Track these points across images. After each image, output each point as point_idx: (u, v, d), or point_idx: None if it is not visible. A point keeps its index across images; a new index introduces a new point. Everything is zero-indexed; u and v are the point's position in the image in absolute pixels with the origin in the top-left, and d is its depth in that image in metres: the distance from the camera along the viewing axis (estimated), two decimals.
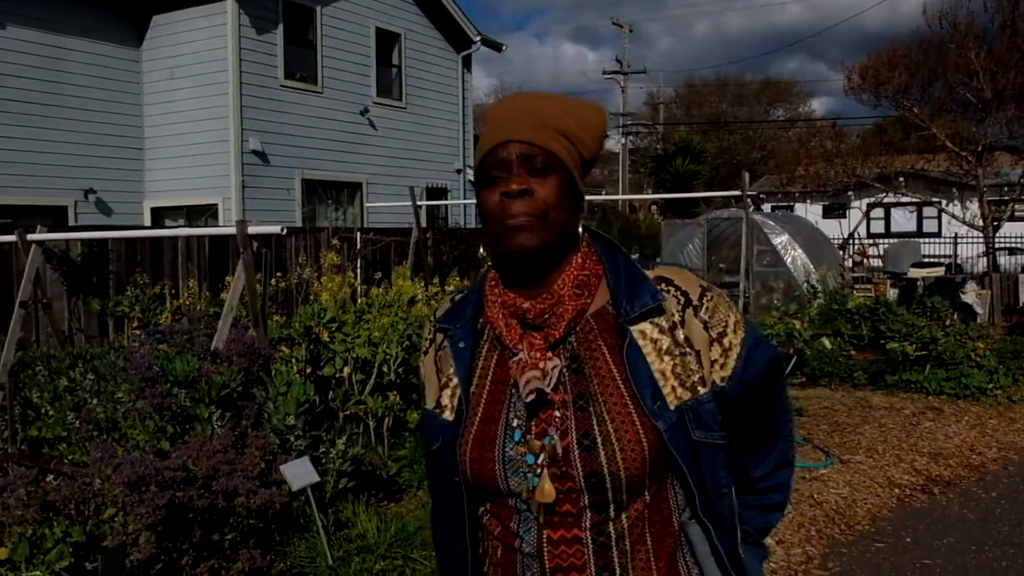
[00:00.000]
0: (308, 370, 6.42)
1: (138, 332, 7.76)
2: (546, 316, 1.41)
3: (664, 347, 1.39)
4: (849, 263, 19.98)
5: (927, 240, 26.35)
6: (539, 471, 1.36)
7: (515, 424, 1.40)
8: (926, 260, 19.57)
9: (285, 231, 6.17)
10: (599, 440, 1.34)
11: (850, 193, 28.63)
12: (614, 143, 41.96)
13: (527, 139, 1.38)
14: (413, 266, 10.64)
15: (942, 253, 26.07)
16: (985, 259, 22.19)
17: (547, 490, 1.35)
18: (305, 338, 6.54)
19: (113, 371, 5.66)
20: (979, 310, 13.90)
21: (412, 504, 5.47)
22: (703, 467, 1.38)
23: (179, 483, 3.96)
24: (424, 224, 12.77)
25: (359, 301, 8.35)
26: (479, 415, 1.44)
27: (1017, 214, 24.25)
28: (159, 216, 15.88)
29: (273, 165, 15.51)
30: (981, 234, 23.06)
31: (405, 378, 6.74)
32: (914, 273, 15.94)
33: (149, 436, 4.94)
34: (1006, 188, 23.88)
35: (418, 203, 12.25)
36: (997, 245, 22.68)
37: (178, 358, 5.11)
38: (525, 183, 1.36)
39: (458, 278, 9.29)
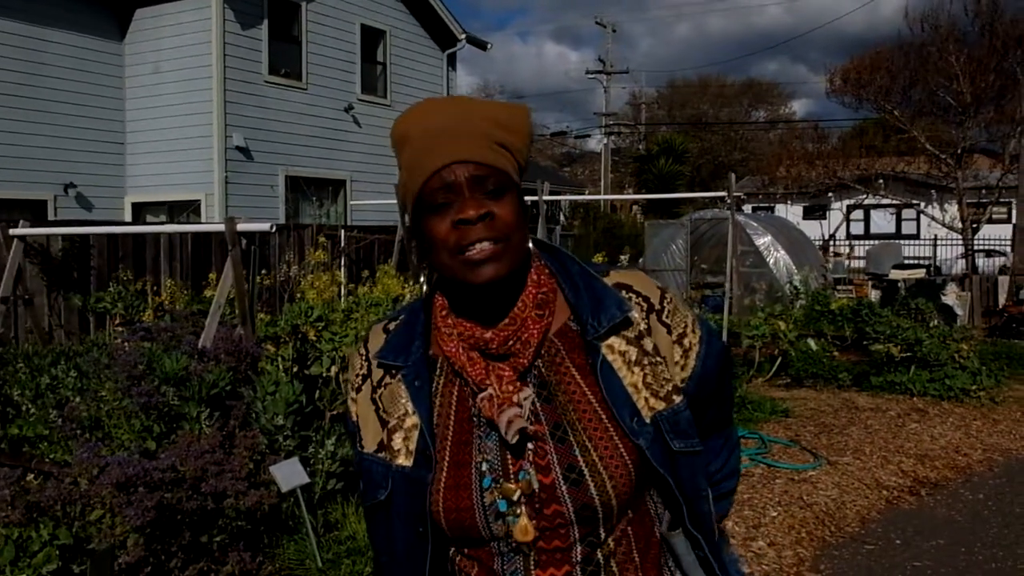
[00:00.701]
0: (295, 369, 6.35)
1: (121, 329, 7.67)
2: (510, 343, 1.30)
3: (633, 358, 1.31)
4: (830, 264, 20.07)
5: (906, 242, 26.55)
6: (517, 511, 1.26)
7: (484, 468, 1.29)
8: (906, 262, 19.69)
9: (274, 228, 6.11)
10: (586, 472, 1.25)
11: (831, 195, 28.83)
12: (596, 142, 42.05)
13: (474, 159, 1.24)
14: (398, 264, 10.57)
15: (921, 255, 26.25)
16: (964, 261, 22.36)
17: (527, 528, 1.26)
18: (292, 336, 6.48)
19: (97, 368, 5.58)
20: (959, 312, 14.01)
21: None
22: (683, 476, 1.32)
23: (168, 484, 3.90)
24: (408, 222, 12.72)
25: (345, 299, 8.29)
26: (447, 459, 1.32)
27: (995, 216, 24.45)
28: (140, 211, 15.74)
29: (257, 161, 15.41)
30: (960, 236, 23.25)
31: None
32: (895, 275, 16.04)
33: (135, 435, 4.87)
34: (984, 191, 24.07)
35: None
36: (975, 247, 22.85)
37: (167, 356, 5.04)
38: (484, 207, 1.23)
39: None
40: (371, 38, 18.06)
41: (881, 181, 26.78)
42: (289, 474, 4.37)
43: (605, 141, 41.01)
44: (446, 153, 1.24)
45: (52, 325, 8.96)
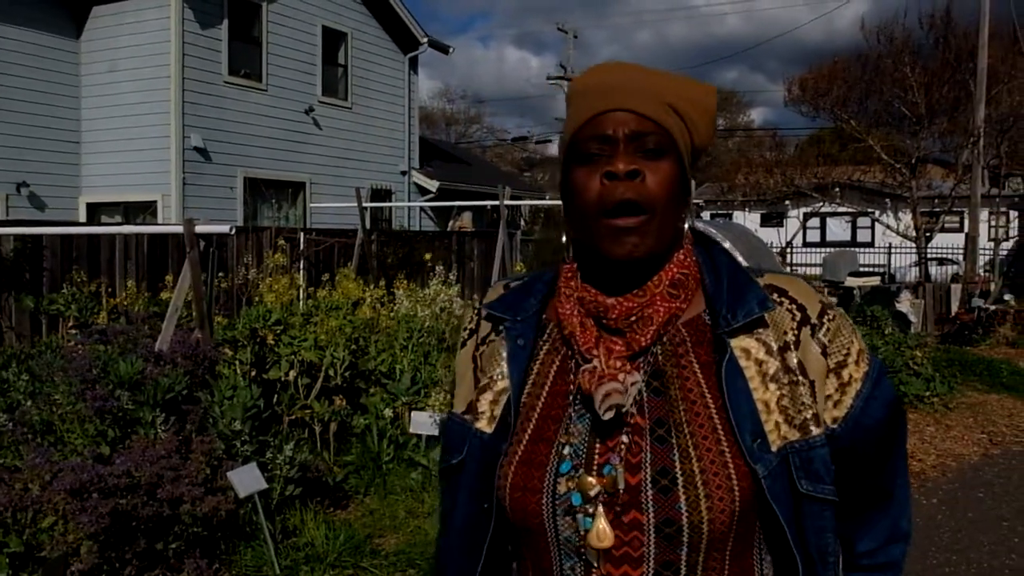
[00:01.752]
0: (253, 373, 6.29)
1: (74, 331, 7.54)
2: (631, 318, 1.15)
3: (771, 372, 1.13)
4: (788, 271, 20.26)
5: (862, 250, 26.93)
6: (592, 510, 1.10)
7: (566, 451, 1.13)
8: (862, 269, 19.95)
9: (233, 230, 6.05)
10: (680, 480, 1.08)
11: (788, 202, 29.13)
12: (557, 148, 42.08)
13: (639, 110, 1.12)
14: (358, 268, 10.52)
15: (876, 263, 26.65)
16: (917, 269, 22.72)
17: (604, 531, 1.09)
18: (250, 340, 6.41)
19: (50, 372, 5.48)
20: (913, 319, 14.21)
21: (360, 511, 5.39)
22: (807, 527, 1.12)
23: (123, 490, 3.84)
24: (368, 226, 12.65)
25: (305, 303, 8.23)
26: (528, 432, 1.17)
27: (948, 226, 24.91)
28: (95, 212, 15.50)
29: (215, 163, 15.24)
30: (914, 244, 23.62)
31: (352, 382, 6.65)
32: (851, 282, 16.22)
33: (88, 440, 4.78)
34: (937, 200, 24.49)
35: (364, 204, 12.13)
36: (929, 255, 23.23)
37: (122, 359, 4.96)
38: (635, 163, 1.10)
39: (405, 281, 9.20)
40: (332, 40, 17.96)
41: (837, 189, 27.12)
42: (247, 480, 4.32)
43: None
44: (611, 99, 1.13)
45: (3, 327, 8.79)
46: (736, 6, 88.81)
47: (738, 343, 1.14)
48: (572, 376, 1.18)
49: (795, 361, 1.15)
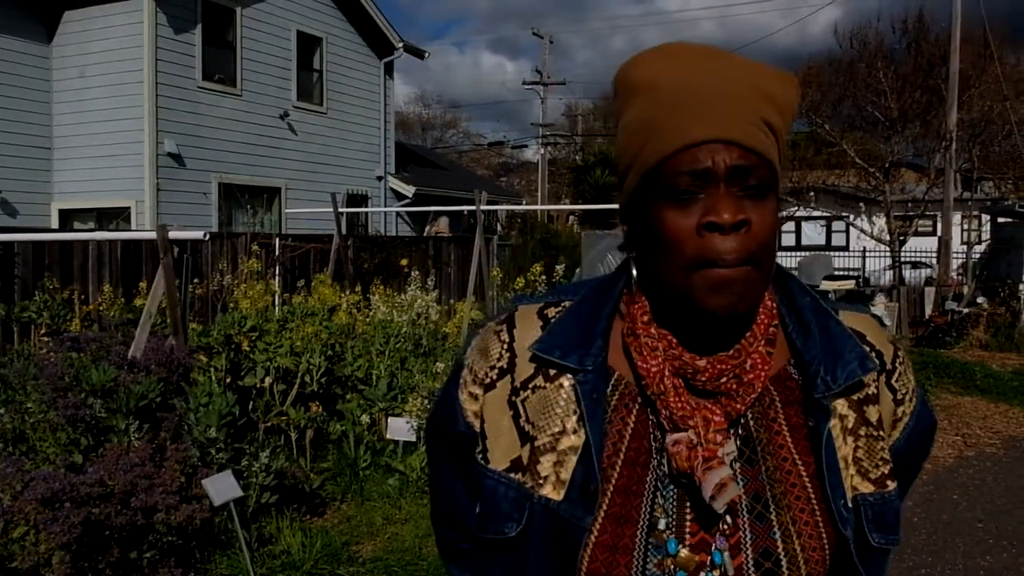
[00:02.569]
0: (228, 380, 6.24)
1: (47, 339, 7.46)
2: (723, 380, 1.00)
3: (850, 426, 1.04)
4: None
5: (836, 253, 27.11)
6: None
7: (662, 526, 0.99)
8: (837, 273, 20.10)
9: (207, 236, 6.00)
10: (784, 563, 0.98)
11: None
12: (533, 153, 42.25)
13: (743, 142, 0.94)
14: (334, 274, 10.46)
15: (851, 266, 26.84)
16: (891, 272, 22.91)
17: None
18: (226, 347, 6.36)
19: (21, 379, 5.41)
20: (888, 322, 14.31)
21: (336, 518, 5.36)
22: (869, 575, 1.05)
23: (96, 499, 3.79)
24: (344, 231, 12.61)
25: (280, 309, 8.17)
26: (603, 508, 1.00)
27: (921, 229, 25.13)
28: (68, 218, 15.35)
29: (189, 168, 15.14)
30: (888, 248, 23.81)
31: (328, 388, 6.61)
32: (827, 285, 16.33)
33: (60, 449, 4.73)
34: (911, 204, 24.70)
35: (340, 209, 12.09)
36: (902, 259, 23.43)
37: (94, 367, 4.90)
38: (742, 212, 0.93)
39: (381, 286, 9.16)
40: (307, 45, 17.89)
41: (812, 193, 27.31)
42: (222, 487, 4.27)
43: (542, 151, 41.19)
44: (710, 124, 0.94)
45: None
46: (710, 11, 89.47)
47: (836, 404, 1.04)
48: (651, 439, 1.03)
49: (876, 416, 1.06)
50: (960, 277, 18.34)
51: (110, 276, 9.71)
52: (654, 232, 0.97)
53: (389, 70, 20.17)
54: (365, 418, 6.20)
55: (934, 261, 22.31)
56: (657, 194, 0.96)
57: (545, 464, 1.02)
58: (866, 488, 1.03)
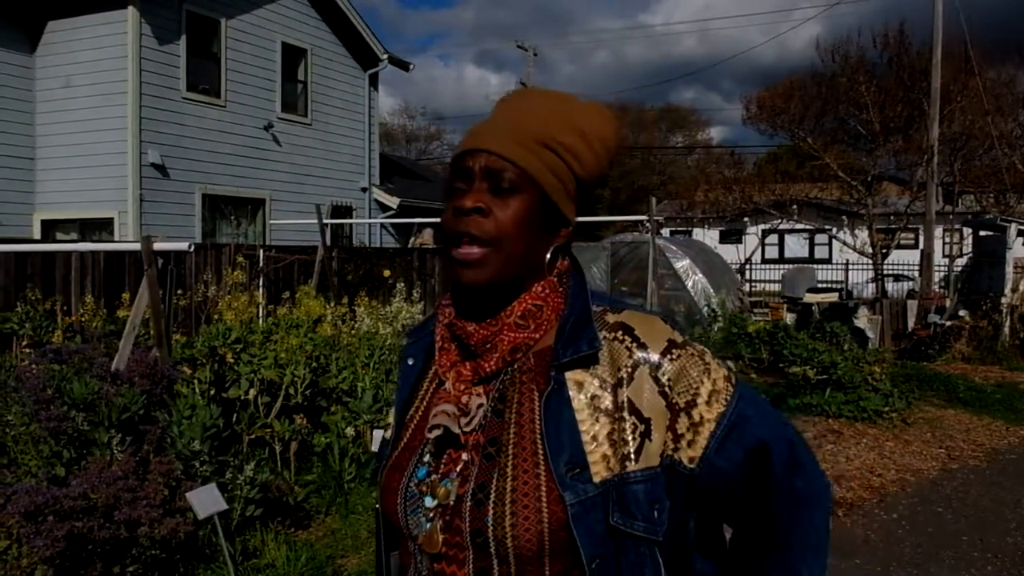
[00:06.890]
0: (212, 392, 6.20)
1: (29, 351, 7.39)
2: (487, 345, 1.23)
3: (604, 406, 1.17)
4: (747, 287, 20.47)
5: (820, 266, 27.26)
6: (432, 516, 1.20)
7: (426, 459, 1.24)
8: (820, 286, 20.20)
9: (192, 247, 5.97)
10: (492, 496, 1.14)
11: (746, 219, 29.45)
12: None
13: (497, 151, 1.19)
14: (318, 285, 10.44)
15: (834, 279, 26.98)
16: (874, 285, 23.03)
17: (433, 540, 1.19)
18: (210, 359, 6.33)
19: (3, 392, 5.36)
20: (871, 335, 14.37)
21: (321, 531, 5.32)
22: (623, 564, 1.15)
23: (79, 513, 3.75)
24: (329, 243, 12.57)
25: (265, 320, 8.14)
26: (403, 441, 1.30)
27: (903, 242, 25.27)
28: (50, 229, 15.24)
29: (173, 179, 15.06)
30: (870, 261, 23.95)
31: (312, 400, 6.58)
32: (810, 298, 16.40)
33: (43, 462, 4.69)
34: (893, 217, 24.87)
35: (324, 221, 12.06)
36: (885, 272, 23.57)
37: (76, 379, 4.86)
38: (481, 200, 1.18)
39: (366, 298, 9.14)
40: (292, 56, 17.86)
41: (795, 206, 27.49)
42: (206, 500, 4.23)
43: None
44: (477, 139, 1.23)
45: None
46: (692, 26, 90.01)
47: (573, 376, 1.20)
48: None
49: (624, 398, 1.18)
50: (942, 290, 18.44)
51: (93, 287, 9.65)
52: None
53: (374, 82, 20.16)
54: (350, 430, 6.16)
55: (916, 274, 22.45)
56: (444, 192, 1.26)
57: (390, 415, 1.39)
58: (614, 467, 1.15)
